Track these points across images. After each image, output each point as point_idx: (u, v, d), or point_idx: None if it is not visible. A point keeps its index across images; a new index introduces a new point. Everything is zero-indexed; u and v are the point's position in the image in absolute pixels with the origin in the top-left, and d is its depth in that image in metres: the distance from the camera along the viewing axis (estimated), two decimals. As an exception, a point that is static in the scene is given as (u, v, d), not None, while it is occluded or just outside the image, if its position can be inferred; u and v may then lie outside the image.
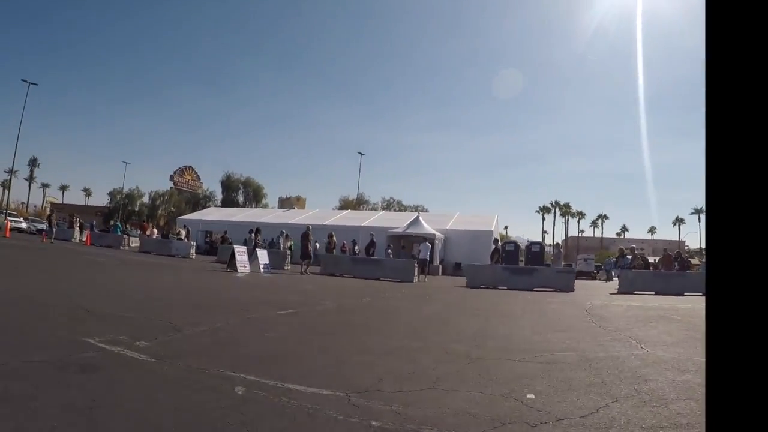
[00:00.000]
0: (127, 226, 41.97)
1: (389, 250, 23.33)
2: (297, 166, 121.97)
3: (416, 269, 17.23)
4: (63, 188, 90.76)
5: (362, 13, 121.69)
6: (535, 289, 14.96)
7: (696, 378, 3.77)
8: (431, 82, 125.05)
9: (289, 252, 20.36)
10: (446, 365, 4.01)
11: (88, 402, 2.48)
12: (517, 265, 17.29)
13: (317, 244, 20.84)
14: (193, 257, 23.25)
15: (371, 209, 58.42)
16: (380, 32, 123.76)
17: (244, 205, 62.50)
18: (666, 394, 3.36)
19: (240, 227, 29.66)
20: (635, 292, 15.06)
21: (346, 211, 40.04)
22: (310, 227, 17.99)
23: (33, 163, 78.11)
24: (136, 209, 69.63)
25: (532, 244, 20.01)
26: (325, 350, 4.45)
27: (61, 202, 79.78)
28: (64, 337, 4.02)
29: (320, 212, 36.98)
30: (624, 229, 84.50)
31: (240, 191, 69.49)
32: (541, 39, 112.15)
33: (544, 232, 79.41)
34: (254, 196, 69.16)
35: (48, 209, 66.91)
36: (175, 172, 64.68)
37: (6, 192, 63.62)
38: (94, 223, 33.36)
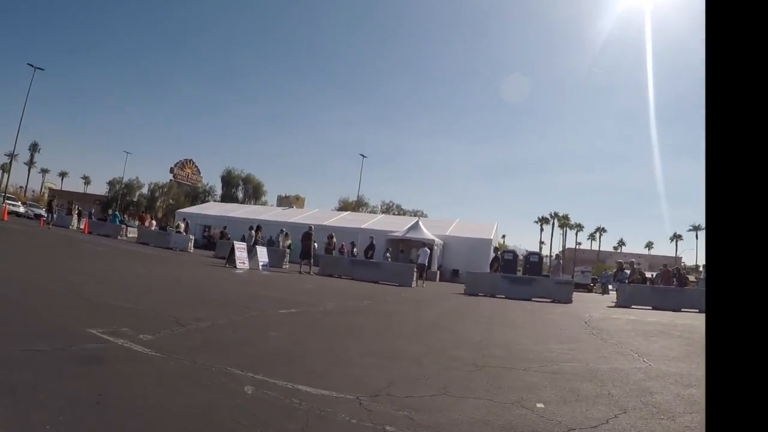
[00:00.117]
0: (125, 216, 41.79)
1: (388, 254, 23.30)
2: (296, 164, 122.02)
3: (415, 274, 17.21)
4: (62, 175, 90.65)
5: (369, 13, 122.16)
6: (533, 299, 14.96)
7: (701, 393, 3.76)
8: (435, 87, 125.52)
9: (288, 251, 20.31)
10: (453, 371, 3.99)
11: (95, 396, 2.41)
12: (516, 275, 17.29)
13: (316, 244, 20.83)
14: (191, 251, 23.16)
15: (370, 212, 58.37)
16: (386, 35, 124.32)
17: (243, 202, 62.38)
18: (673, 407, 3.38)
19: (239, 223, 29.62)
20: (633, 306, 15.08)
21: (345, 213, 40.00)
22: (313, 227, 17.91)
23: (34, 147, 77.94)
24: (135, 200, 69.39)
25: (530, 254, 20.03)
26: (330, 351, 4.42)
27: (59, 189, 79.39)
28: (66, 326, 3.95)
29: (320, 212, 36.95)
30: (621, 242, 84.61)
31: (240, 187, 69.41)
32: (546, 49, 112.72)
33: (541, 242, 79.59)
34: (254, 192, 69.07)
35: (46, 195, 66.67)
36: (175, 165, 64.57)
37: (6, 176, 63.31)
38: (93, 211, 33.25)
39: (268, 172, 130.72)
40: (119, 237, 25.48)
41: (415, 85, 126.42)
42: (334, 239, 19.35)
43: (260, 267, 16.16)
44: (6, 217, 24.89)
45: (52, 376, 2.63)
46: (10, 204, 30.87)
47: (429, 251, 21.29)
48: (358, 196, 57.19)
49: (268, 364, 3.51)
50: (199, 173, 68.53)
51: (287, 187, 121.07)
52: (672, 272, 17.48)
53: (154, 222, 30.01)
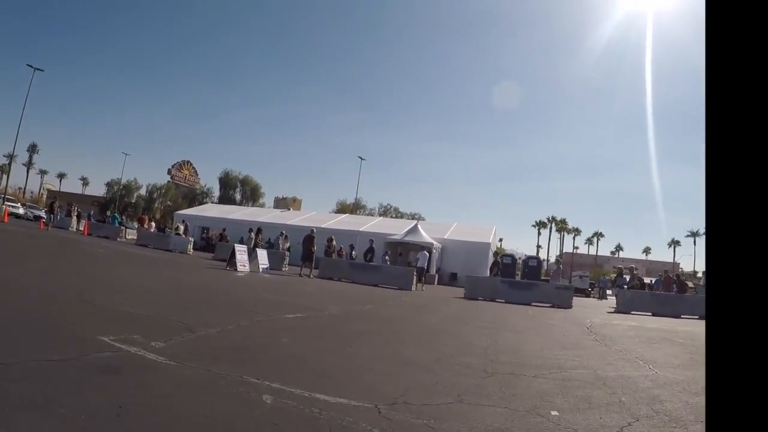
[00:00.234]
0: (124, 217, 41.62)
1: (386, 257, 23.33)
2: (293, 166, 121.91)
3: (414, 278, 17.23)
4: (61, 176, 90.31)
5: (371, 20, 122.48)
6: (533, 303, 15.00)
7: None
8: (434, 92, 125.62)
9: (287, 253, 20.30)
10: (465, 378, 4.01)
11: (114, 408, 2.37)
12: (515, 279, 17.34)
13: (315, 247, 20.83)
14: (191, 253, 23.10)
15: (368, 215, 58.38)
16: (387, 40, 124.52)
17: (241, 203, 62.29)
18: (683, 415, 3.41)
19: (238, 225, 29.60)
20: (632, 312, 15.16)
21: (343, 215, 40.04)
22: (315, 231, 17.90)
23: (32, 149, 77.53)
24: (133, 201, 69.12)
25: (529, 258, 20.09)
26: (342, 358, 4.43)
27: (58, 190, 78.98)
28: (77, 333, 3.92)
29: (318, 215, 36.92)
30: (619, 248, 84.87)
31: (237, 189, 69.32)
32: (546, 55, 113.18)
33: (538, 246, 79.70)
34: (251, 194, 68.97)
35: (45, 196, 66.25)
36: (173, 166, 64.26)
37: (5, 177, 62.91)
38: (92, 212, 33.12)
39: (264, 174, 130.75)
40: (119, 239, 25.40)
41: (415, 89, 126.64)
42: (334, 242, 19.36)
43: (261, 270, 16.15)
44: (6, 219, 24.77)
45: (69, 389, 2.58)
46: (10, 206, 30.68)
47: (428, 254, 21.33)
48: (356, 199, 57.24)
49: (283, 372, 3.51)
50: (197, 175, 68.28)
51: (284, 189, 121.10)
52: (672, 278, 17.58)
53: (153, 224, 29.91)
